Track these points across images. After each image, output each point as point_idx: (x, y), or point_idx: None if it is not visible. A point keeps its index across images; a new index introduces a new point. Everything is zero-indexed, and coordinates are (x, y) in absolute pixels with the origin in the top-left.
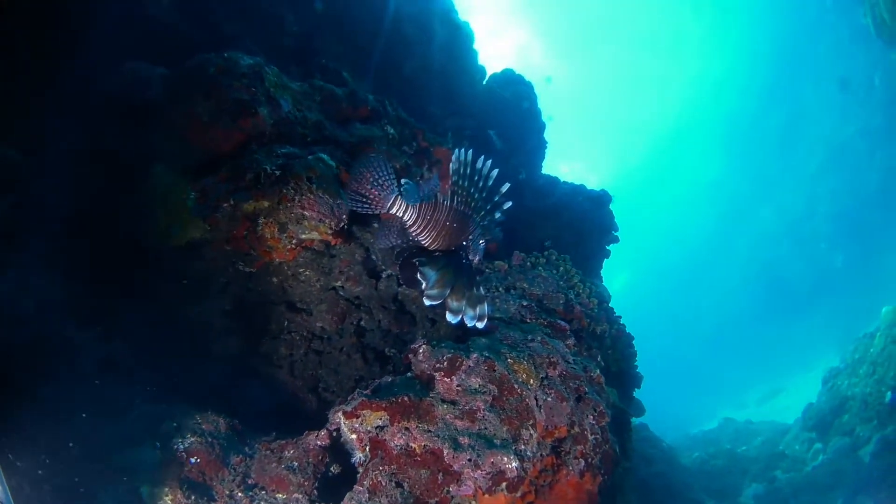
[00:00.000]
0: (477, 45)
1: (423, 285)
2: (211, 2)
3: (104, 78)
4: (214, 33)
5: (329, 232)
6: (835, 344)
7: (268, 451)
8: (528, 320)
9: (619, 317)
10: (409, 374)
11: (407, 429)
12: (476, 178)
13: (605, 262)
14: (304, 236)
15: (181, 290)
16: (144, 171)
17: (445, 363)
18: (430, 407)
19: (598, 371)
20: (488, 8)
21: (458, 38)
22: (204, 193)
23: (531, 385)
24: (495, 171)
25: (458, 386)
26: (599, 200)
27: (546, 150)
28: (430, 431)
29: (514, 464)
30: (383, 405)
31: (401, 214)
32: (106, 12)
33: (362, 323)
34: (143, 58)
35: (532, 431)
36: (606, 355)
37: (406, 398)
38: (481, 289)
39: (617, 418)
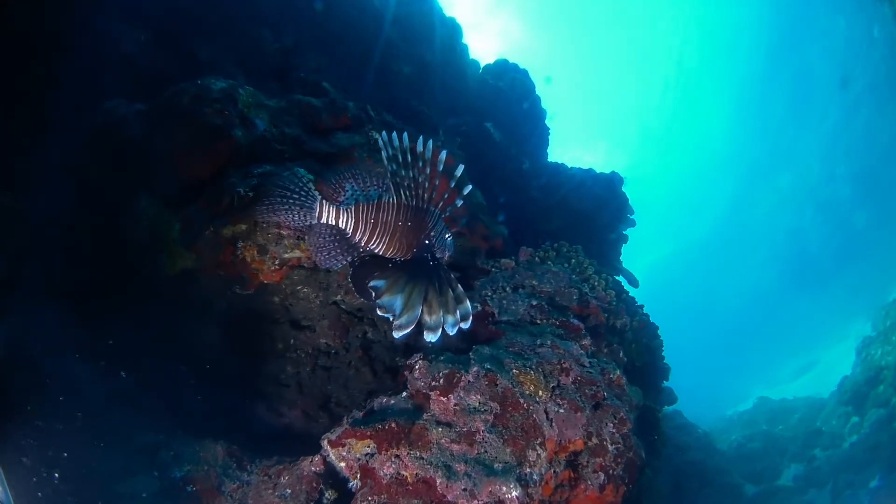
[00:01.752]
0: (465, 40)
1: (391, 318)
2: (187, 32)
3: (86, 118)
4: (193, 61)
5: None
6: (865, 310)
7: (265, 477)
8: (539, 321)
9: (642, 306)
10: (404, 393)
11: (397, 456)
12: (421, 163)
13: (624, 248)
14: (287, 256)
15: (183, 317)
16: (131, 206)
17: (441, 380)
18: (422, 431)
19: (618, 372)
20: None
21: (447, 35)
22: (187, 222)
23: (540, 397)
24: (444, 154)
25: (455, 405)
26: (610, 183)
27: (549, 137)
28: (422, 458)
29: (515, 492)
30: (368, 433)
31: (333, 222)
32: (85, 56)
33: (368, 335)
34: (125, 94)
35: (540, 451)
36: (629, 350)
37: (394, 424)
38: (458, 286)
39: (644, 417)
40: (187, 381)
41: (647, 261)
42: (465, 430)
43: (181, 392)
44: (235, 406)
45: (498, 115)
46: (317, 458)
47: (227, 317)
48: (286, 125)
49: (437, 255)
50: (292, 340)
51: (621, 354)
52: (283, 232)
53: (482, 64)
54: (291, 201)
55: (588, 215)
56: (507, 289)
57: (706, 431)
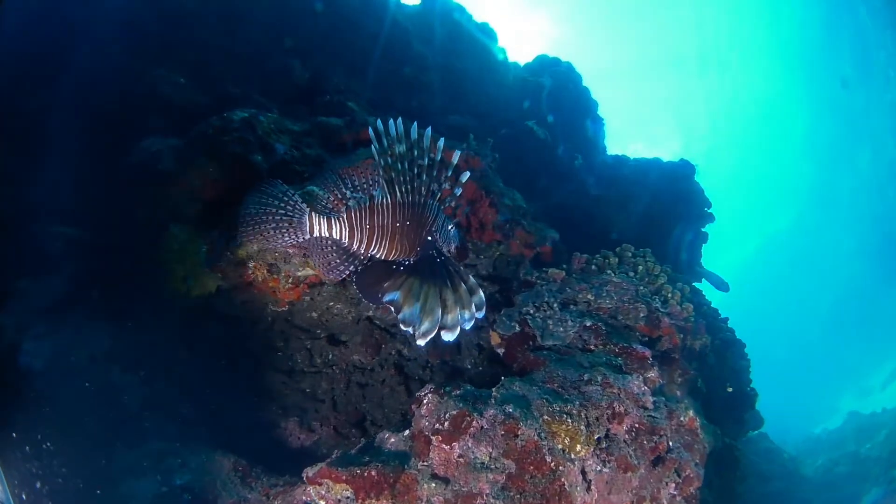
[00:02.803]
0: (502, 43)
1: (411, 330)
2: (220, 72)
3: (128, 155)
4: (225, 95)
5: None
6: None
7: (264, 497)
8: (593, 347)
9: (726, 319)
10: (406, 431)
11: None
12: (414, 153)
13: (704, 248)
14: (300, 274)
15: (225, 334)
16: (165, 232)
17: (447, 424)
18: (412, 483)
19: (690, 413)
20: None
21: (479, 40)
22: (212, 245)
23: (577, 453)
24: (441, 141)
25: (459, 457)
26: (680, 174)
27: (605, 128)
28: None
29: None
30: (344, 476)
31: (327, 234)
32: (129, 99)
33: (403, 352)
34: (163, 131)
35: None
36: (709, 374)
37: (374, 472)
38: (470, 278)
39: (721, 458)
40: (223, 394)
41: (723, 261)
42: (465, 489)
43: (216, 404)
44: (270, 420)
45: (541, 112)
46: (309, 488)
47: (269, 332)
48: (307, 147)
49: (444, 250)
50: (330, 356)
51: (699, 384)
52: (290, 250)
53: (522, 65)
54: (277, 219)
55: (655, 212)
56: (555, 305)
57: (792, 456)
